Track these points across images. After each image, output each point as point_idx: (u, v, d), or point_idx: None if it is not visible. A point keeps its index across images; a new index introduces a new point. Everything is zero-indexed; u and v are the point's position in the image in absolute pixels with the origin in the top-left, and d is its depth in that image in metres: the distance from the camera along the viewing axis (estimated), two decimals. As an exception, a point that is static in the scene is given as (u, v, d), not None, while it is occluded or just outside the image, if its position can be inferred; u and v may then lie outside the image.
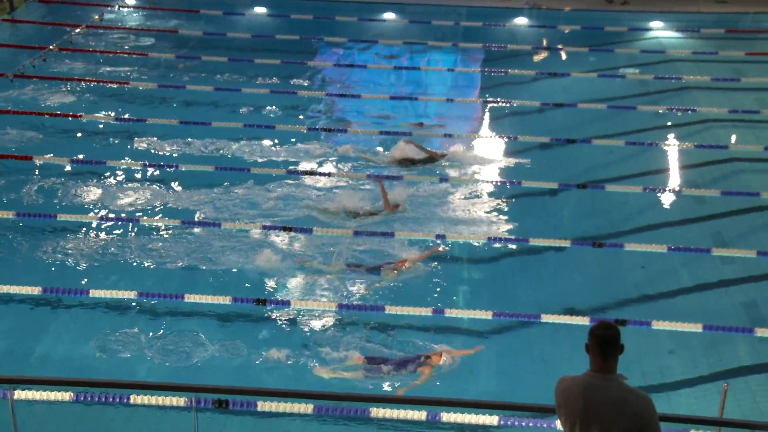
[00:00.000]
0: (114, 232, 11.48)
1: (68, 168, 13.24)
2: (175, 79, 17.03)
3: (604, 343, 4.85)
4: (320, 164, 13.74)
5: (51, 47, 17.96)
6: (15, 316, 9.74)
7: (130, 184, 12.87)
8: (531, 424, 7.57)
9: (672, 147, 14.60)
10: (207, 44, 19.19)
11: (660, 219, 12.28)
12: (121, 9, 21.71)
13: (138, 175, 13.13)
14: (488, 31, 20.50)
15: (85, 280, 10.34)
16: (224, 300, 9.85)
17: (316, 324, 9.65)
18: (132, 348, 9.17)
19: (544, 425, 7.51)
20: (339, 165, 13.74)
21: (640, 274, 10.85)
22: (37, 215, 11.67)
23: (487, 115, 16.21)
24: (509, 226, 11.82)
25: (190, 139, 14.36)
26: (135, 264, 10.74)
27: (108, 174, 13.11)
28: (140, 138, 14.41)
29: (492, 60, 18.78)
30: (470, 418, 7.59)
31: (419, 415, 7.67)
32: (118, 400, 7.85)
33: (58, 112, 15.20)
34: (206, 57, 18.08)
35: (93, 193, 12.56)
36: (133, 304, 9.90)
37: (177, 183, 12.87)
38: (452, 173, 13.46)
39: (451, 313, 9.69)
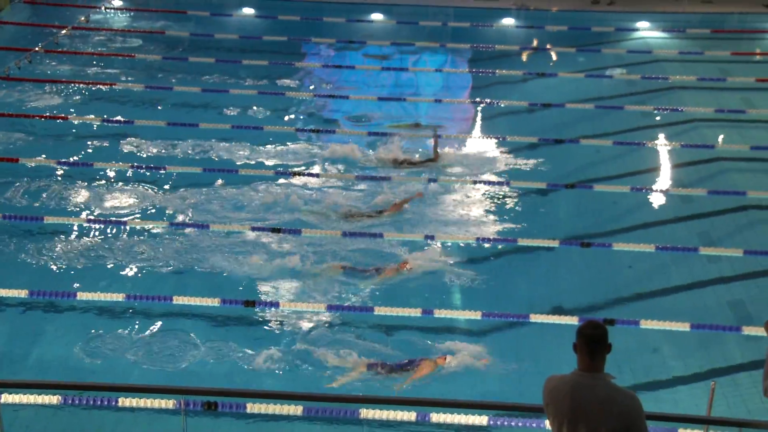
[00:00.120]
0: (102, 234, 11.43)
1: (55, 170, 13.17)
2: (162, 81, 16.98)
3: (592, 342, 4.87)
4: (308, 165, 13.73)
5: (37, 49, 17.86)
6: (1, 319, 9.68)
7: (117, 186, 12.82)
8: (520, 424, 7.58)
9: (659, 147, 14.67)
10: (194, 45, 19.14)
11: (647, 218, 12.33)
12: (107, 10, 21.62)
13: (126, 177, 13.08)
14: (476, 32, 20.54)
15: (73, 282, 10.28)
16: (213, 302, 9.82)
17: (305, 325, 9.64)
18: (120, 350, 9.13)
19: (533, 425, 7.52)
20: (328, 165, 13.73)
21: (628, 274, 10.89)
22: (24, 218, 11.60)
23: (475, 116, 16.23)
24: (498, 227, 11.84)
25: (177, 141, 14.31)
26: (123, 266, 10.69)
27: (95, 176, 13.05)
28: (128, 140, 14.35)
29: (480, 60, 18.82)
30: (460, 419, 7.59)
31: (409, 415, 7.67)
32: (106, 403, 7.81)
33: (45, 114, 15.13)
34: (194, 58, 18.03)
35: (80, 195, 12.50)
36: (122, 306, 9.85)
37: (165, 185, 12.83)
38: (441, 174, 13.47)
39: (440, 313, 9.69)
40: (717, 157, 14.11)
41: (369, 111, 16.18)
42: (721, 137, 14.82)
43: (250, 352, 9.15)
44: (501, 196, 12.74)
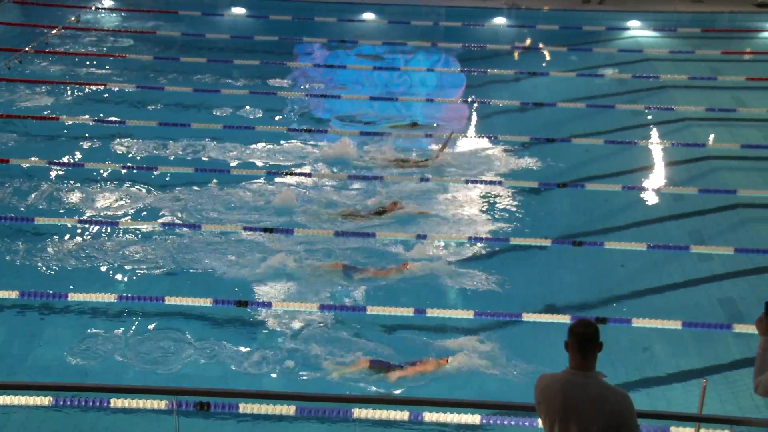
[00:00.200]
0: (93, 235, 11.39)
1: (47, 171, 13.12)
2: (154, 81, 16.94)
3: (583, 340, 4.89)
4: (301, 165, 13.72)
5: (27, 49, 17.78)
6: (-7, 320, 9.65)
7: (109, 187, 12.78)
8: (513, 423, 7.59)
9: (650, 145, 14.71)
10: (186, 45, 19.10)
11: (639, 217, 12.37)
12: (98, 10, 21.55)
13: (117, 178, 13.04)
14: (467, 31, 20.56)
15: (64, 283, 10.24)
16: (205, 302, 9.80)
17: (298, 325, 9.62)
18: (112, 351, 9.09)
19: (526, 424, 7.54)
20: (320, 165, 13.72)
21: (620, 272, 10.92)
22: (16, 218, 11.55)
23: (466, 115, 16.26)
24: (490, 226, 11.85)
25: (169, 141, 14.28)
26: (115, 267, 10.66)
27: (87, 177, 13.00)
28: (119, 140, 14.31)
29: (471, 60, 18.85)
30: (452, 418, 7.60)
31: (402, 415, 7.67)
32: (98, 404, 7.78)
33: (36, 115, 15.07)
34: (185, 58, 17.99)
35: (72, 196, 12.46)
36: (114, 307, 9.82)
37: (157, 185, 12.80)
38: (433, 173, 13.47)
39: (432, 313, 9.69)
40: (708, 155, 14.16)
41: (361, 110, 16.19)
42: (711, 136, 14.87)
43: (242, 352, 9.14)
44: (493, 196, 12.75)
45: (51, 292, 9.89)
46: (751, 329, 9.06)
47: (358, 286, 10.35)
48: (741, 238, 11.59)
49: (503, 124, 15.59)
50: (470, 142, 14.82)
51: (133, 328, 9.50)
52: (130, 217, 11.84)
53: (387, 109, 16.32)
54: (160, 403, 7.65)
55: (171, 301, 9.78)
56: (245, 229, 11.46)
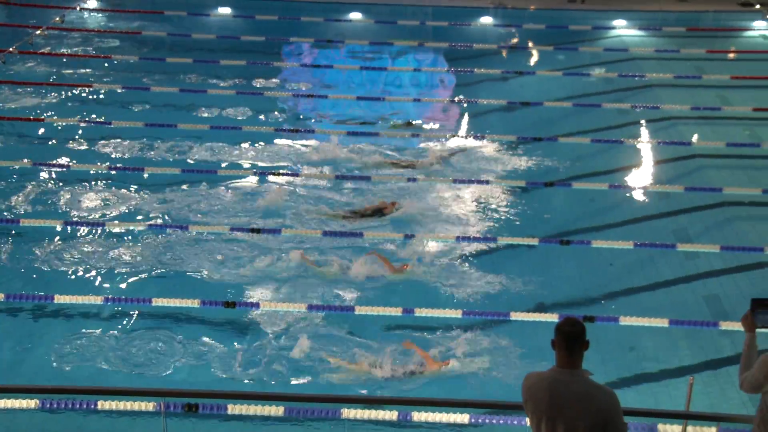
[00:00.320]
0: (79, 236, 11.33)
1: (31, 172, 13.03)
2: (139, 81, 16.86)
3: (570, 339, 4.91)
4: (287, 165, 13.69)
5: (11, 49, 17.64)
6: (-22, 323, 9.57)
7: (95, 188, 12.71)
8: (501, 422, 7.61)
9: (636, 144, 14.78)
10: (172, 45, 19.02)
11: (626, 215, 12.42)
12: (82, 11, 21.42)
13: (103, 179, 12.97)
14: (454, 31, 20.58)
15: (50, 285, 10.17)
16: (193, 303, 9.75)
17: (285, 325, 9.59)
18: (100, 354, 9.04)
19: (515, 422, 7.55)
20: (308, 165, 13.69)
21: (607, 271, 10.95)
22: (0, 220, 11.47)
23: (453, 115, 16.27)
24: (477, 225, 11.87)
25: (155, 142, 14.22)
26: (101, 269, 10.60)
27: (72, 178, 12.93)
28: (105, 141, 14.24)
29: (458, 59, 18.87)
30: (441, 417, 7.60)
31: (390, 415, 7.66)
32: (85, 406, 7.74)
33: (20, 116, 14.96)
34: (171, 58, 17.92)
35: (57, 197, 12.38)
36: (100, 309, 9.77)
37: (143, 186, 12.73)
38: (421, 173, 13.48)
39: (420, 312, 9.69)
40: (694, 154, 14.24)
41: (348, 110, 16.18)
42: (697, 134, 14.94)
43: (230, 353, 9.11)
44: (480, 195, 12.76)
45: (37, 294, 9.82)
46: (737, 326, 9.12)
47: (346, 286, 10.33)
48: (727, 235, 11.65)
49: (490, 124, 15.62)
50: (457, 141, 14.83)
51: (121, 330, 9.45)
52: (116, 219, 11.77)
53: (373, 108, 16.30)
54: (148, 405, 7.61)
55: (158, 302, 9.74)
56: (232, 229, 11.43)
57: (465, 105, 16.55)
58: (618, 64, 18.37)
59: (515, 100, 16.38)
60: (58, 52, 18.37)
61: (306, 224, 11.69)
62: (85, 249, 11.00)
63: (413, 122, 15.55)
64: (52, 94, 16.15)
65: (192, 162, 13.62)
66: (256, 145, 14.31)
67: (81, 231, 11.43)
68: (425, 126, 15.61)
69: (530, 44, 20.12)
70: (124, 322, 9.58)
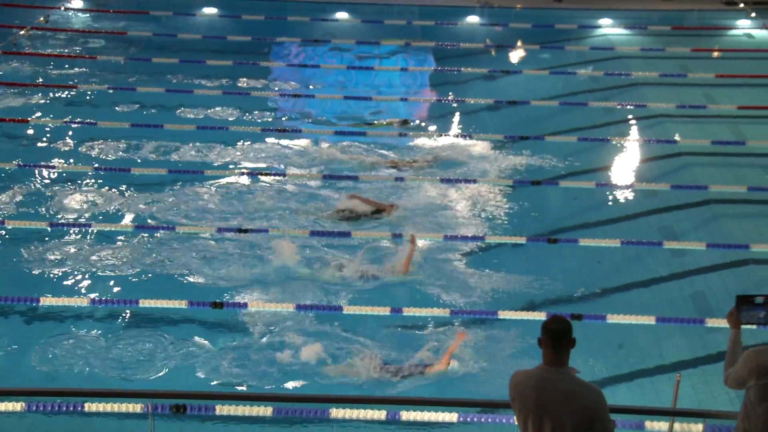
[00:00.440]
0: (64, 237, 11.26)
1: (15, 173, 12.94)
2: (125, 82, 16.78)
3: (556, 337, 4.93)
4: (274, 164, 13.66)
5: (-5, 50, 17.56)
6: (-37, 326, 9.50)
7: (80, 189, 12.64)
8: (489, 420, 7.63)
9: (623, 142, 14.85)
10: (157, 45, 18.94)
11: (613, 213, 12.48)
12: (67, 11, 21.30)
13: (88, 180, 12.90)
14: (441, 30, 20.61)
15: (36, 287, 10.11)
16: (180, 304, 9.72)
17: (274, 326, 9.57)
18: (86, 355, 8.99)
19: (503, 421, 7.57)
20: (294, 165, 13.66)
21: (594, 269, 10.99)
22: (-15, 222, 11.41)
23: (440, 114, 16.28)
24: (465, 224, 11.88)
25: (141, 142, 14.16)
26: (87, 270, 10.54)
27: (57, 179, 12.86)
28: (90, 142, 14.16)
29: (445, 58, 18.89)
30: (429, 416, 7.61)
31: (379, 414, 7.67)
32: (72, 408, 7.70)
33: (4, 117, 14.85)
34: (157, 59, 17.84)
35: (42, 198, 12.30)
36: (87, 310, 9.72)
37: (129, 187, 12.68)
38: (408, 172, 13.49)
39: (409, 311, 9.70)
40: (680, 152, 14.32)
41: (335, 110, 16.16)
42: (683, 132, 15.01)
43: (218, 353, 9.08)
44: (467, 194, 12.78)
45: (21, 296, 9.75)
46: (723, 323, 9.19)
47: (335, 285, 10.32)
48: (713, 233, 11.72)
49: (477, 123, 15.64)
50: (444, 140, 14.84)
51: (107, 331, 9.41)
52: (103, 220, 11.72)
53: (360, 108, 16.29)
54: (135, 407, 7.59)
55: (146, 303, 9.69)
56: (220, 230, 11.40)
57: (452, 104, 16.56)
58: (604, 62, 18.44)
59: (502, 99, 16.42)
60: (43, 52, 18.26)
61: (298, 224, 11.65)
62: (72, 250, 10.94)
63: (409, 121, 15.56)
64: (37, 94, 16.05)
65: (179, 162, 13.57)
66: (244, 145, 14.28)
67: (67, 232, 11.37)
68: (412, 125, 15.61)
69: (517, 43, 20.17)
70: (111, 324, 9.53)
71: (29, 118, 14.86)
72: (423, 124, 15.73)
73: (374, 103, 16.54)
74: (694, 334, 9.57)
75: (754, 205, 12.64)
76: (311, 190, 12.81)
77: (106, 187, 12.68)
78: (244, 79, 17.17)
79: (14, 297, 9.74)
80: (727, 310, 5.56)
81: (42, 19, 20.14)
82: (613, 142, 14.75)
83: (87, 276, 10.44)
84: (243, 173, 13.17)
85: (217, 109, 15.71)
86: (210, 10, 21.42)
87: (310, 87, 17.32)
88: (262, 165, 13.63)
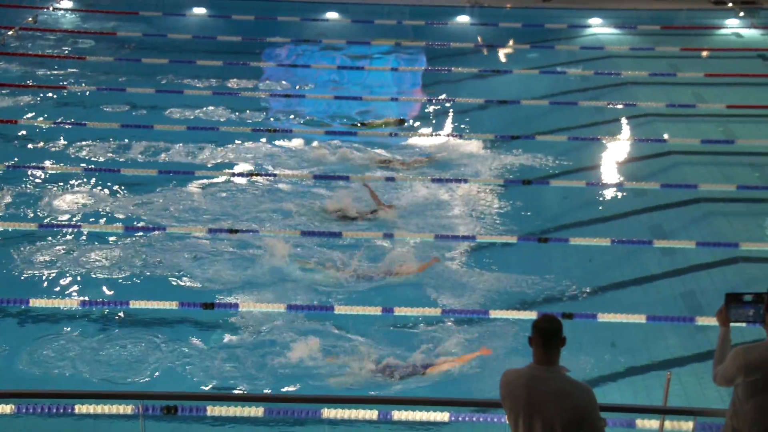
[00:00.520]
0: (54, 239, 11.21)
1: (5, 175, 12.88)
2: (115, 82, 16.72)
3: (547, 335, 4.94)
4: (265, 164, 13.63)
5: (-17, 51, 17.47)
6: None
7: (70, 190, 12.59)
8: (481, 419, 7.63)
9: (613, 141, 14.89)
10: (147, 46, 18.88)
11: (603, 212, 12.52)
12: (56, 11, 21.21)
13: (78, 181, 12.85)
14: (431, 30, 20.62)
15: (26, 289, 10.06)
16: (171, 305, 9.69)
17: (265, 326, 9.56)
18: (77, 357, 8.96)
19: (495, 420, 7.58)
20: (284, 165, 13.64)
21: (585, 268, 11.02)
22: (-26, 224, 11.35)
23: (430, 113, 16.29)
24: (455, 224, 11.89)
25: (131, 143, 14.11)
26: (77, 272, 10.50)
27: (47, 180, 12.80)
28: (80, 143, 14.10)
29: (435, 58, 18.91)
30: (421, 416, 7.61)
31: (371, 414, 7.66)
32: (62, 410, 7.66)
33: (-7, 118, 14.81)
34: (147, 59, 17.79)
35: (31, 200, 12.24)
36: (77, 312, 9.68)
37: (119, 188, 12.64)
38: (396, 172, 13.49)
39: (400, 311, 9.70)
40: (669, 150, 14.36)
41: (325, 109, 16.15)
42: (672, 131, 15.06)
43: (209, 354, 9.06)
44: (458, 193, 12.79)
45: (11, 298, 9.71)
46: (713, 321, 9.23)
47: (325, 286, 10.31)
48: (702, 231, 11.77)
49: (467, 122, 15.66)
50: (435, 140, 14.85)
51: (98, 332, 9.37)
52: (92, 221, 11.67)
53: (350, 108, 16.28)
54: (126, 408, 7.56)
55: (136, 304, 9.66)
56: (210, 230, 11.37)
57: (442, 104, 16.57)
58: (594, 62, 18.48)
59: (492, 98, 16.44)
60: (32, 52, 18.17)
61: (290, 225, 11.63)
62: (61, 252, 10.90)
63: (404, 120, 15.56)
64: (26, 95, 15.97)
65: (169, 163, 13.53)
66: (234, 145, 14.25)
67: (57, 233, 11.32)
68: (406, 125, 15.60)
69: (507, 43, 20.21)
70: (102, 325, 9.50)
71: (18, 119, 14.78)
72: (414, 124, 15.72)
73: (365, 103, 16.53)
74: (685, 332, 9.61)
75: (743, 203, 12.70)
76: (302, 190, 12.80)
77: (96, 188, 12.64)
78: (235, 80, 17.14)
79: (4, 299, 9.69)
80: (717, 308, 5.58)
81: (30, 19, 20.05)
82: (603, 142, 14.79)
83: (77, 277, 10.40)
84: (234, 174, 13.15)
85: (208, 109, 15.68)
86: (200, 11, 21.37)
87: (301, 87, 17.30)
88: (253, 165, 13.61)
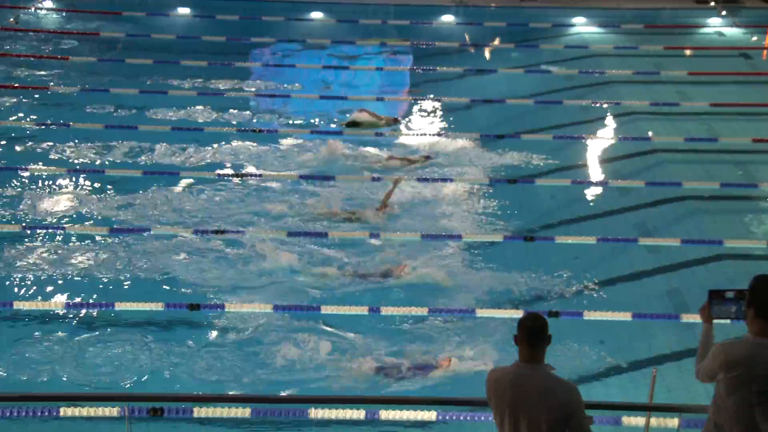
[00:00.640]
0: (37, 240, 11.13)
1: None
2: (98, 83, 16.62)
3: (532, 333, 4.96)
4: (251, 165, 13.58)
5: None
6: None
7: (53, 191, 12.51)
8: (468, 418, 7.64)
9: (598, 140, 14.95)
10: (131, 46, 18.78)
11: (588, 211, 12.56)
12: (38, 11, 21.05)
13: (62, 182, 12.77)
14: (416, 29, 20.63)
15: (9, 291, 9.99)
16: (156, 306, 9.64)
17: (251, 326, 9.53)
18: (61, 360, 8.90)
19: (482, 418, 7.59)
20: (271, 165, 13.61)
21: (571, 267, 11.03)
22: (-44, 226, 11.26)
23: (415, 113, 16.29)
24: (441, 223, 11.89)
25: (115, 144, 14.03)
26: (61, 274, 10.43)
27: (30, 181, 12.71)
28: (64, 144, 14.00)
29: (420, 57, 18.92)
30: (408, 415, 7.62)
31: (358, 414, 7.66)
32: (47, 413, 7.61)
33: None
34: (130, 59, 17.70)
35: (14, 201, 12.15)
36: (61, 314, 9.61)
37: (103, 189, 12.56)
38: (383, 172, 13.47)
39: (387, 311, 9.70)
40: (653, 149, 14.45)
41: (310, 109, 16.11)
42: (656, 129, 15.15)
43: (195, 355, 9.03)
44: (443, 193, 12.80)
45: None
46: (697, 318, 9.29)
47: (314, 286, 10.29)
48: (687, 229, 11.84)
49: (452, 122, 15.68)
50: (419, 139, 14.85)
51: (83, 334, 9.31)
52: (76, 222, 11.60)
53: (335, 107, 16.26)
54: (111, 410, 7.51)
55: (121, 306, 9.62)
56: (195, 231, 11.33)
57: (426, 103, 16.58)
58: (578, 60, 18.56)
59: (478, 97, 16.46)
60: (13, 53, 18.03)
61: (276, 225, 11.60)
62: (45, 253, 10.82)
63: (399, 120, 15.55)
64: (7, 96, 15.85)
65: (154, 164, 13.46)
66: (219, 145, 14.19)
67: (40, 235, 11.24)
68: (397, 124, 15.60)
69: (491, 42, 20.25)
70: (87, 327, 9.44)
71: (0, 120, 14.65)
72: (400, 123, 15.72)
73: (350, 103, 16.51)
74: (671, 329, 9.66)
75: (727, 201, 12.79)
76: (289, 189, 12.76)
77: (81, 189, 12.56)
78: (219, 80, 17.08)
79: (-13, 301, 9.63)
80: (701, 304, 5.61)
81: (12, 19, 19.90)
82: (588, 140, 14.85)
83: (61, 279, 10.33)
84: (219, 174, 13.10)
85: (192, 109, 15.61)
86: (184, 11, 21.28)
87: (285, 87, 17.25)
88: (239, 165, 13.56)
